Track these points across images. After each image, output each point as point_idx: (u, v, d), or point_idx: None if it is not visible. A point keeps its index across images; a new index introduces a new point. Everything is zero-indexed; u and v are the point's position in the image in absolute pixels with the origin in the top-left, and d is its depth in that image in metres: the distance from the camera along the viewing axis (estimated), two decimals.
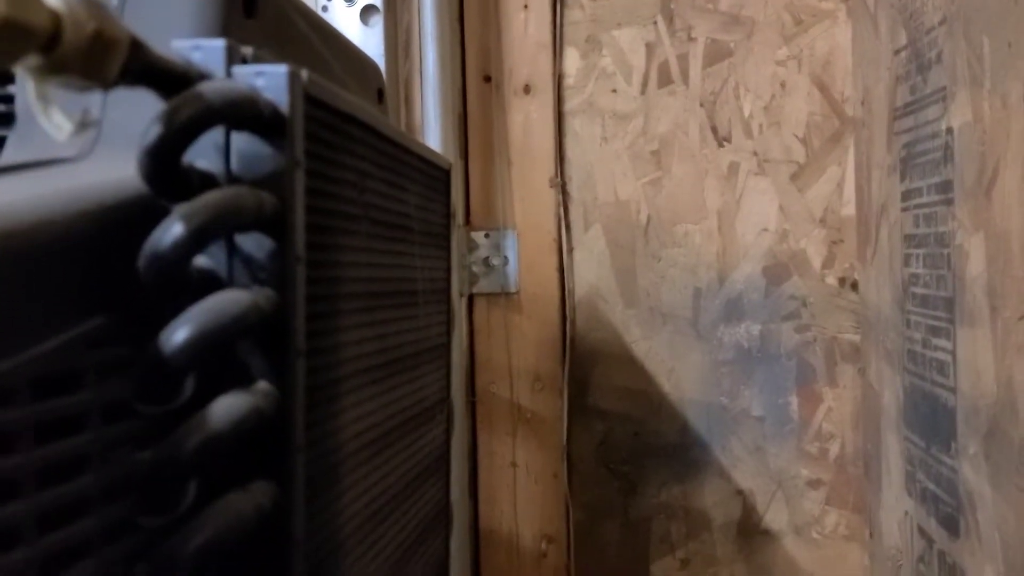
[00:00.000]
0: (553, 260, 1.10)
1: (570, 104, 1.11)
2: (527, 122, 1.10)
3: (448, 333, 0.62)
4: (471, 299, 1.10)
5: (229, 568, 0.31)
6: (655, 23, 1.09)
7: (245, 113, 0.30)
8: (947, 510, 0.69)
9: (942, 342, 0.70)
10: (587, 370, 1.11)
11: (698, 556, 1.10)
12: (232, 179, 0.31)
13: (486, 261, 1.09)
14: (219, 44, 0.32)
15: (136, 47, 0.26)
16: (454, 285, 0.66)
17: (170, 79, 0.29)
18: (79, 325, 0.26)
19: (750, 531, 1.09)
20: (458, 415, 1.01)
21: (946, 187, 0.69)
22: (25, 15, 0.21)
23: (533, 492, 1.10)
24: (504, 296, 1.10)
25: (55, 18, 0.22)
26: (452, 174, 0.62)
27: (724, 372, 1.09)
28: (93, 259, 0.28)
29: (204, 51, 0.31)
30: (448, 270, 0.61)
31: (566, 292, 1.10)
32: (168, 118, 0.28)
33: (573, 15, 1.10)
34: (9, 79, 0.46)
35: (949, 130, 0.68)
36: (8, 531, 0.23)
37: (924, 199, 0.74)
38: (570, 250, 1.11)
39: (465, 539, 1.05)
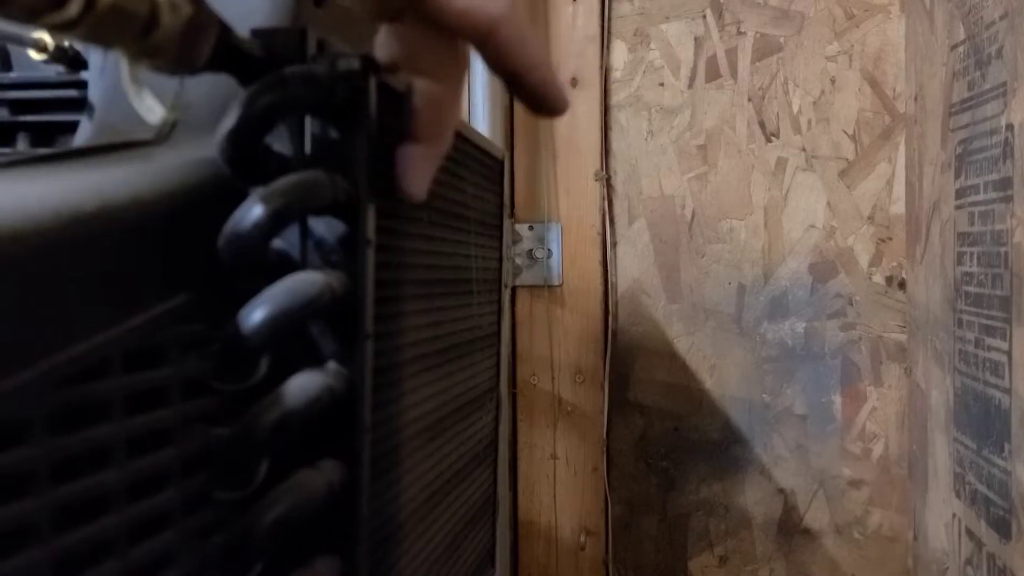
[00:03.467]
0: (596, 253, 1.10)
1: (617, 98, 1.10)
2: (573, 115, 1.10)
3: (498, 323, 0.62)
4: (514, 291, 1.10)
5: (296, 543, 0.31)
6: (704, 17, 1.09)
7: (323, 99, 0.31)
8: (999, 512, 0.68)
9: (997, 342, 0.69)
10: (628, 364, 1.11)
11: (737, 553, 1.09)
12: (307, 163, 0.32)
13: (530, 253, 1.09)
14: (296, 31, 0.32)
15: (225, 33, 0.26)
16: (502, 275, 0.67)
17: (251, 65, 0.30)
18: (164, 302, 0.27)
19: (790, 530, 1.08)
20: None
21: (1005, 184, 0.68)
22: (129, 1, 0.22)
23: (573, 485, 1.10)
24: (547, 288, 1.10)
25: (154, 3, 0.23)
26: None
27: (767, 369, 1.08)
28: (175, 238, 0.29)
29: (282, 37, 0.32)
30: (500, 260, 0.62)
31: (609, 286, 1.10)
32: (251, 102, 0.29)
33: (621, 8, 1.10)
34: (83, 65, 0.47)
35: (1009, 126, 0.67)
36: (100, 498, 0.24)
37: (980, 196, 0.73)
38: (614, 244, 1.11)
39: (505, 529, 1.06)
